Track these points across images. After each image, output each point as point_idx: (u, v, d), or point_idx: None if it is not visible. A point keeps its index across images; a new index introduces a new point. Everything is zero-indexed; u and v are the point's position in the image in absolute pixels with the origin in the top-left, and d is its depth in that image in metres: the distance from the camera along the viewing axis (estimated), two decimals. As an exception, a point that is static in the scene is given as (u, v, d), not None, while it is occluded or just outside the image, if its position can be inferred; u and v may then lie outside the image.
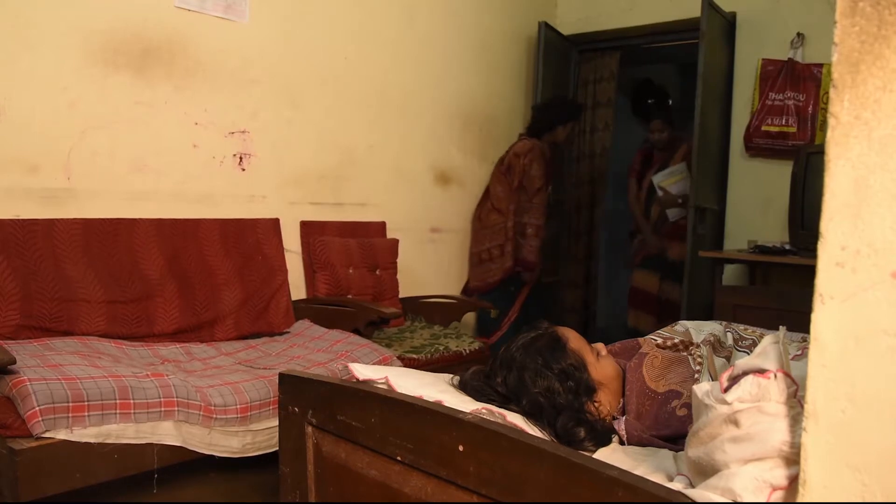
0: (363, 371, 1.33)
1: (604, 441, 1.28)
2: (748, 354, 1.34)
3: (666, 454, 1.24)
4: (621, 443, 1.33)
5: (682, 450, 1.09)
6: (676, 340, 1.57)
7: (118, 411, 1.79)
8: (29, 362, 1.86)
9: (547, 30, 4.21)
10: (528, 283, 3.83)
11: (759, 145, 3.65)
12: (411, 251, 3.59)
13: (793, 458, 0.82)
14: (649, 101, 3.86)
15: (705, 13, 3.48)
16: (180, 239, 2.64)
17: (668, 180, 4.01)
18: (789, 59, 3.54)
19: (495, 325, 3.73)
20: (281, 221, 3.01)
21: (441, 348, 2.86)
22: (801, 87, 3.52)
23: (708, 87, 3.56)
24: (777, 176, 3.55)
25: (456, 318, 3.40)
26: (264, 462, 2.00)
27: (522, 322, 3.56)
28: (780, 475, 0.83)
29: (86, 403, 1.74)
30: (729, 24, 3.76)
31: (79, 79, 2.42)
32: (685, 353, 1.50)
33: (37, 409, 1.66)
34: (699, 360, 1.47)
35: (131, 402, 1.81)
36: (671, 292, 4.04)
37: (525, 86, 4.31)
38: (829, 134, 0.68)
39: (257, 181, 2.97)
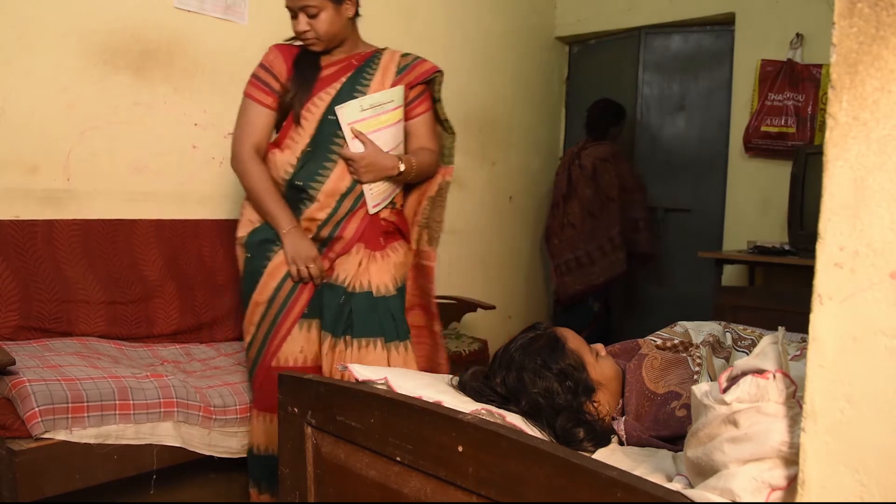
0: (362, 372, 1.33)
1: (603, 441, 1.29)
2: (747, 355, 1.34)
3: (665, 455, 1.24)
4: (620, 443, 1.33)
5: (682, 450, 1.09)
6: (676, 341, 1.57)
7: (118, 412, 1.79)
8: (28, 363, 1.86)
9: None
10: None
11: (758, 146, 3.65)
12: (411, 252, 3.59)
13: (791, 459, 0.82)
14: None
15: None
16: (180, 240, 2.63)
17: (369, 121, 1.91)
18: (788, 59, 3.55)
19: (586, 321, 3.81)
20: (280, 222, 3.00)
21: (440, 349, 2.86)
22: (800, 87, 3.52)
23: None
24: (776, 176, 3.55)
25: (456, 318, 3.40)
26: (264, 463, 2.00)
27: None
28: (778, 475, 0.83)
29: (85, 404, 1.74)
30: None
31: (78, 79, 2.42)
32: (684, 355, 1.50)
33: (36, 409, 1.66)
34: (698, 360, 1.48)
35: (131, 402, 1.81)
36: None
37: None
38: (827, 135, 0.68)
39: (257, 182, 2.96)
